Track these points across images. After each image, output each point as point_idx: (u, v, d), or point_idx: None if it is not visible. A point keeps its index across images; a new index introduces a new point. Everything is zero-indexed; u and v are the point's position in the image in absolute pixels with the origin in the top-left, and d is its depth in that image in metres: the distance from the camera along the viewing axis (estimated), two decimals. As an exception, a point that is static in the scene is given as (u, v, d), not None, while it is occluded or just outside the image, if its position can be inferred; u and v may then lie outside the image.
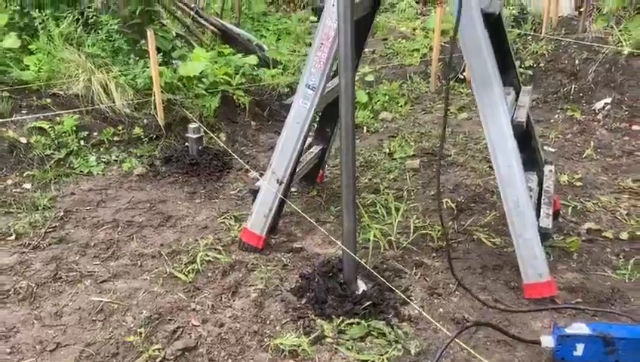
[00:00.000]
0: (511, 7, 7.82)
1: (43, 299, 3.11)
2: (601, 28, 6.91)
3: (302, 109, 3.37)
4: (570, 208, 4.06)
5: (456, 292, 3.13)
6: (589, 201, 4.17)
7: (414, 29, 8.20)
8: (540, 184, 3.60)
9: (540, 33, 7.44)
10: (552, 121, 6.03)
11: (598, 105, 6.11)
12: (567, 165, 4.85)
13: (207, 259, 3.46)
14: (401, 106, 6.38)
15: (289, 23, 8.39)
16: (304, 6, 10.07)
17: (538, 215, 3.17)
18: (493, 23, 2.88)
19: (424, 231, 3.74)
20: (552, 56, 7.02)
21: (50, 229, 3.82)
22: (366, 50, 4.44)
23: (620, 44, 6.36)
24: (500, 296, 3.11)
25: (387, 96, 6.44)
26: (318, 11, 3.42)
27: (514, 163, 2.91)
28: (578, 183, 4.47)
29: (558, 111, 6.26)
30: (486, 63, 2.79)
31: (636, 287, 3.14)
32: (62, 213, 4.01)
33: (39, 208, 4.06)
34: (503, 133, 2.85)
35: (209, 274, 3.33)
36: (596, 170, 4.75)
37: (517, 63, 6.84)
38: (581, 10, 7.42)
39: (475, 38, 2.76)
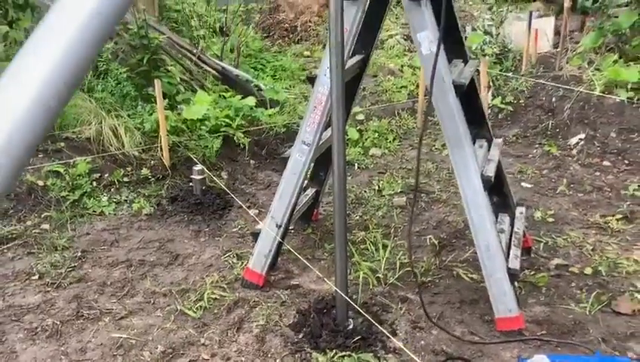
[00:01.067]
0: (493, 46, 8.32)
1: (68, 335, 3.48)
2: (575, 67, 7.41)
3: (298, 162, 3.79)
4: (542, 244, 4.47)
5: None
6: (559, 237, 4.58)
7: (402, 66, 8.68)
8: (512, 225, 4.02)
9: (521, 70, 7.93)
10: (530, 156, 6.47)
11: (573, 140, 6.57)
12: (541, 201, 5.27)
13: (213, 296, 3.84)
14: (390, 142, 6.82)
15: (284, 59, 8.87)
16: (299, 40, 10.56)
17: (509, 254, 3.59)
18: (465, 89, 3.31)
19: (409, 269, 4.14)
20: (531, 92, 7.50)
21: (70, 269, 4.19)
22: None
23: (592, 82, 6.84)
24: (475, 329, 3.50)
25: (377, 133, 6.88)
26: (308, 79, 3.89)
27: (485, 213, 3.33)
28: (550, 219, 4.89)
29: (537, 146, 6.71)
30: (458, 128, 3.22)
31: (595, 320, 3.54)
32: (79, 253, 4.39)
33: (58, 248, 4.44)
34: (475, 188, 3.27)
35: (215, 311, 3.71)
36: (568, 205, 5.17)
37: (498, 99, 7.41)
38: (558, 49, 7.93)
39: (448, 107, 3.19)
